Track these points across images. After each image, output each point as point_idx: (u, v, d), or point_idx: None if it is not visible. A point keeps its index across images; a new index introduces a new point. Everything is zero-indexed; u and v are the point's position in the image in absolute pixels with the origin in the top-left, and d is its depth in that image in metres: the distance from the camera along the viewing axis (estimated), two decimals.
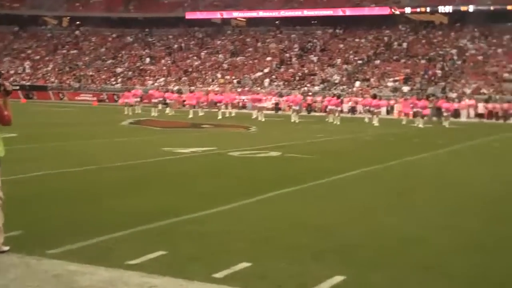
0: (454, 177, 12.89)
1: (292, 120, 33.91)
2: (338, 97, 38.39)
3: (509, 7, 59.40)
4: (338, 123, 33.23)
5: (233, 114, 38.66)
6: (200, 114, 37.86)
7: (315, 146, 19.52)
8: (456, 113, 42.60)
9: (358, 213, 8.69)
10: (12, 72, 69.84)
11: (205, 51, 70.12)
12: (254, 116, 34.93)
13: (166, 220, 7.76)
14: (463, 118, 43.48)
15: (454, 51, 58.78)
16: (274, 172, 13.13)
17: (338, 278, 5.55)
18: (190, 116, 35.91)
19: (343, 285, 5.45)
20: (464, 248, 6.86)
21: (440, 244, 7.00)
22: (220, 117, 35.47)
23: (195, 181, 11.33)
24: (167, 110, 40.45)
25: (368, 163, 14.56)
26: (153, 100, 41.16)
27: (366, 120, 35.33)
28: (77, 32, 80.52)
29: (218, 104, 39.87)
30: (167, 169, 13.01)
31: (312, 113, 46.03)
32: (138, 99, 41.52)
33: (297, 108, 36.77)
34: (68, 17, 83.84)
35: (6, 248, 6.19)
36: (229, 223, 7.77)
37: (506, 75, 52.32)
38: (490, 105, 44.79)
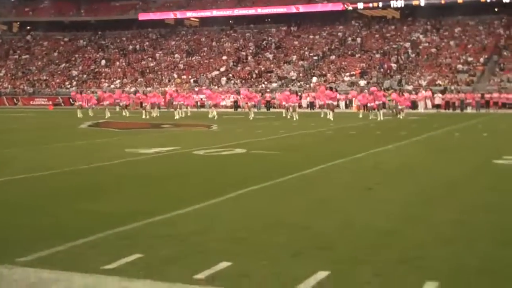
0: (420, 168, 12.91)
1: (251, 118, 33.79)
2: (296, 93, 38.46)
3: (459, 0, 60.27)
4: (297, 117, 33.21)
5: (189, 114, 38.39)
6: (155, 114, 37.52)
7: (279, 142, 19.45)
8: (414, 105, 43.09)
9: (330, 208, 8.60)
10: None
11: (160, 52, 69.65)
12: (211, 116, 34.77)
13: (138, 222, 7.56)
14: (421, 109, 44.03)
15: (407, 44, 59.47)
16: (241, 169, 13.03)
17: (322, 274, 5.44)
18: (143, 116, 35.68)
19: (329, 280, 5.35)
20: (439, 239, 6.80)
21: (415, 236, 6.94)
22: (177, 116, 35.16)
23: (162, 182, 11.13)
24: (124, 111, 40.19)
25: (334, 157, 14.53)
26: (104, 103, 40.64)
27: (322, 115, 35.39)
28: (28, 37, 79.28)
29: (175, 103, 39.57)
30: (133, 171, 12.78)
31: (272, 110, 46.12)
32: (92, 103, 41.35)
33: (253, 105, 36.84)
34: (18, 22, 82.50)
35: None
36: (202, 223, 7.60)
37: (459, 66, 53.14)
38: (446, 96, 45.44)
